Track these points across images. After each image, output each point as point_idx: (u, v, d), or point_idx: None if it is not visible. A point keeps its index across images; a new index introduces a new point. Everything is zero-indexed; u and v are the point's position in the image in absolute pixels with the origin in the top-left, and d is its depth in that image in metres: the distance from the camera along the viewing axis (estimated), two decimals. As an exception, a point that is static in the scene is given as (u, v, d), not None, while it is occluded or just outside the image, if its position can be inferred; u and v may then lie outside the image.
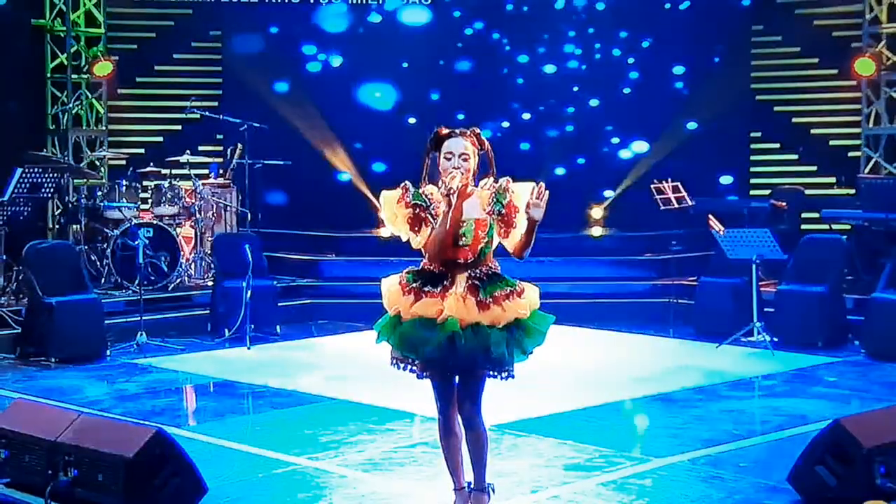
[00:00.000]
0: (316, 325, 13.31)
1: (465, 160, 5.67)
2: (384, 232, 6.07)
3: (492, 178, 5.78)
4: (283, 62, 16.22)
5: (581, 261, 14.33)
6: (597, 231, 15.69)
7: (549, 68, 16.28)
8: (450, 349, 5.56)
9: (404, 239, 5.79)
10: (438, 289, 5.64)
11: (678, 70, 16.05)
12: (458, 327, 5.55)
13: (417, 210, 5.66)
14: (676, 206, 12.86)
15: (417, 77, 16.20)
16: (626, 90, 16.16)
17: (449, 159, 5.68)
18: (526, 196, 5.64)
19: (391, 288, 5.77)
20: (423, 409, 8.17)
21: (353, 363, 10.97)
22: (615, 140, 16.19)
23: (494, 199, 5.70)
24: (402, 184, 5.74)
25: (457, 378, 5.75)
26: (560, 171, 16.10)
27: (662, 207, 12.94)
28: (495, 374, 5.67)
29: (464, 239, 5.68)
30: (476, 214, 5.70)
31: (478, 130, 5.78)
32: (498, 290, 5.64)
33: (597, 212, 15.99)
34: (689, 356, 11.32)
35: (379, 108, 16.27)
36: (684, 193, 12.92)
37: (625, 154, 16.15)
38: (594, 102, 16.21)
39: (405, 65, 16.25)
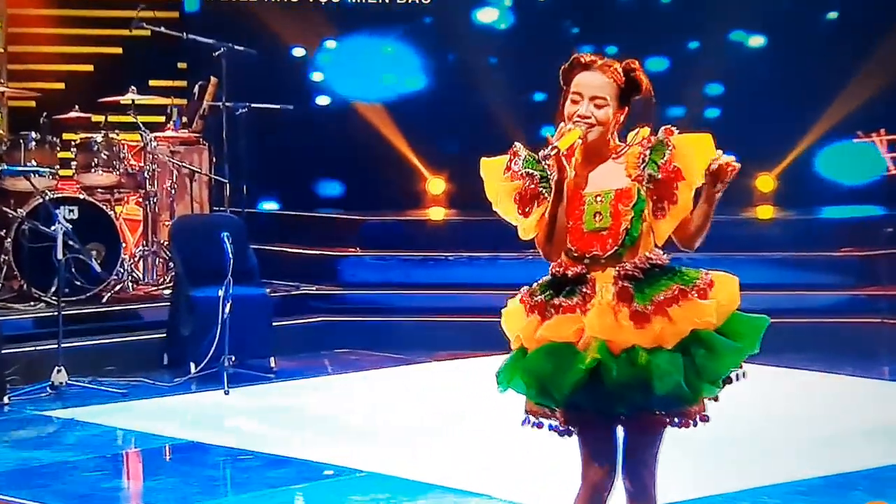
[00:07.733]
0: (331, 358, 13.37)
1: (599, 107, 5.67)
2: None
3: (647, 130, 5.76)
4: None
5: (740, 260, 14.19)
6: (765, 212, 15.59)
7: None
8: (597, 387, 5.57)
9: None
10: (575, 299, 5.66)
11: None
12: (607, 354, 5.55)
13: (528, 182, 5.70)
14: (894, 169, 12.84)
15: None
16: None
17: (576, 102, 5.68)
18: (699, 155, 5.61)
19: (512, 309, 5.82)
20: (501, 486, 8.06)
21: (390, 415, 11.04)
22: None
23: (646, 159, 5.68)
24: (512, 146, 5.77)
25: (619, 428, 5.76)
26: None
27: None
28: (672, 419, 5.67)
29: (599, 220, 5.68)
30: (617, 184, 5.69)
31: (634, 64, 5.75)
32: (661, 290, 5.62)
33: (765, 181, 15.92)
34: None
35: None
36: (907, 150, 12.90)
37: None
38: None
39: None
